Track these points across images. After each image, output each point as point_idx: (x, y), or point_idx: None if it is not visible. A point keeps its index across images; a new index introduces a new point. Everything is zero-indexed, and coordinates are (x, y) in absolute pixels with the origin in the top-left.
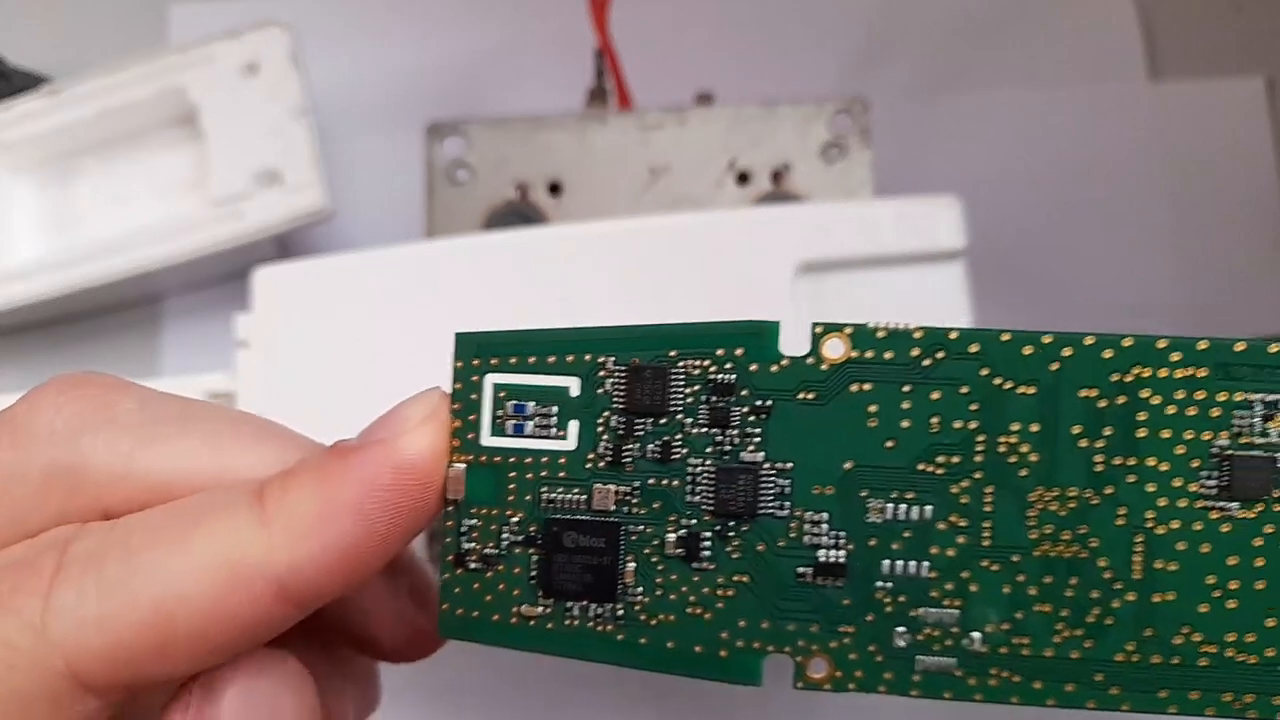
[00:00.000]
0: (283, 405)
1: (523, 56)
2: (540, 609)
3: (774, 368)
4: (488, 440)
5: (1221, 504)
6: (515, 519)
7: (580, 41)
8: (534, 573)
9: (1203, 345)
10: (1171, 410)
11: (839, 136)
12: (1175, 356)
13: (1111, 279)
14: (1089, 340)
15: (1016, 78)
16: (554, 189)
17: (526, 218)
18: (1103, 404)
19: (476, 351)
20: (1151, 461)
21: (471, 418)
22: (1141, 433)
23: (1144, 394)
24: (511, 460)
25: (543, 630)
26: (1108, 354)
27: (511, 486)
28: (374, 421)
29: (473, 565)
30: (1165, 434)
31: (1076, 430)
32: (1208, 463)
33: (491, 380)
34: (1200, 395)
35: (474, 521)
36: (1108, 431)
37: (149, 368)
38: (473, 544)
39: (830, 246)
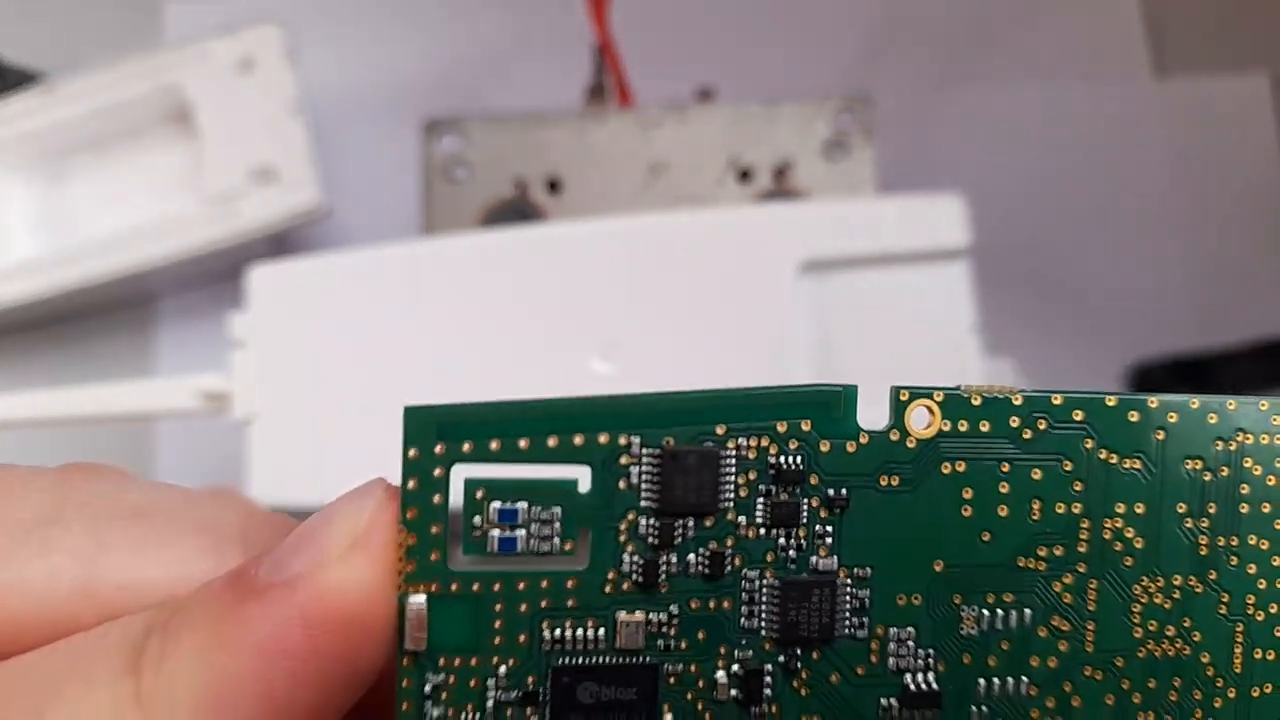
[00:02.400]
0: (278, 407)
1: (521, 52)
2: None
3: (850, 446)
4: (461, 561)
5: None
6: (505, 669)
7: (579, 37)
8: None
9: None
10: (1272, 481)
11: (841, 134)
12: (1276, 420)
13: (1115, 276)
14: (1194, 404)
15: (1020, 75)
16: (553, 186)
17: (525, 216)
18: (1207, 477)
19: (438, 434)
20: (1253, 540)
21: (434, 529)
22: (1244, 508)
23: (1246, 463)
24: (496, 588)
25: None
26: (1212, 419)
27: (498, 624)
28: (296, 533)
29: None
30: (1265, 508)
31: (1182, 509)
32: None
33: (463, 474)
34: None
35: (444, 677)
36: (1211, 509)
37: (143, 368)
38: (443, 709)
39: (833, 245)
